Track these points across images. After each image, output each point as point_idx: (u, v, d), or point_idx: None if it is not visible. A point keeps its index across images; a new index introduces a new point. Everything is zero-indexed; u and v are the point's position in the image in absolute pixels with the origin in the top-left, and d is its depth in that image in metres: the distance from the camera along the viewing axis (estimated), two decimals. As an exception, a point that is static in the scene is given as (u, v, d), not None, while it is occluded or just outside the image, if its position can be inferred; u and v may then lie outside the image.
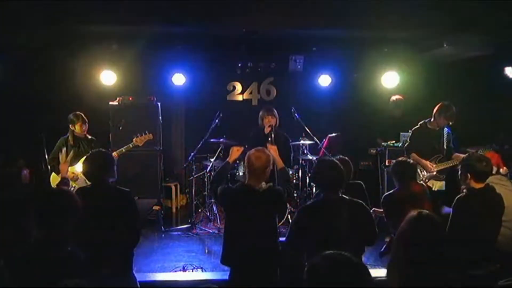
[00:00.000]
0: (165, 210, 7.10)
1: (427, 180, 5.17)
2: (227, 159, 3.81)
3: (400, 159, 4.25)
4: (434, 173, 5.20)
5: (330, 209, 3.17)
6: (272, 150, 3.80)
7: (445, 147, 5.31)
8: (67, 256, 2.51)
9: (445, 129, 5.33)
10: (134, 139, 5.57)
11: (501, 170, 4.93)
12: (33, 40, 5.82)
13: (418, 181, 4.93)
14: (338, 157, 4.21)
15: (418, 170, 5.24)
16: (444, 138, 5.32)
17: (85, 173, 3.45)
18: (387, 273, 2.37)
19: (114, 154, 5.32)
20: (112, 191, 3.39)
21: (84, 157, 3.61)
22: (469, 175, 3.55)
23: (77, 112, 5.47)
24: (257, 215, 3.37)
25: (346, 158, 4.21)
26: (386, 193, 4.22)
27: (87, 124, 5.53)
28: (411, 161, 4.33)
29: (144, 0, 4.80)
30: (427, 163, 5.22)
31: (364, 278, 1.96)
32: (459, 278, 3.08)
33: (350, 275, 1.93)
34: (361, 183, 4.35)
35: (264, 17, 5.40)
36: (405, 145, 5.61)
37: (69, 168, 5.30)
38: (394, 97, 7.54)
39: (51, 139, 5.47)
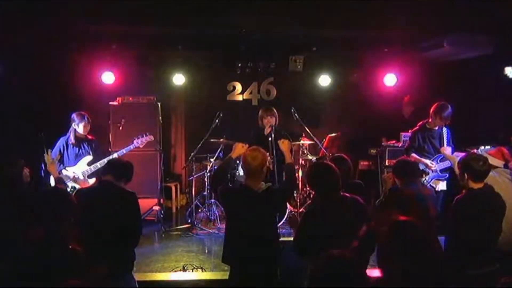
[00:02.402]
0: (165, 210, 7.10)
1: (430, 181, 5.19)
2: (230, 154, 3.76)
3: (402, 160, 4.19)
4: (438, 171, 5.22)
5: (334, 210, 3.17)
6: (285, 145, 3.79)
7: (445, 146, 5.32)
8: (68, 255, 2.51)
9: (445, 128, 5.34)
10: (134, 141, 5.59)
11: (510, 164, 4.89)
12: (33, 40, 5.81)
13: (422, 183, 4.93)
14: (337, 155, 4.19)
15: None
16: (445, 137, 5.32)
17: (111, 168, 3.46)
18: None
19: (116, 156, 5.34)
20: (117, 192, 3.39)
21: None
22: (466, 174, 3.54)
23: (82, 112, 5.44)
24: (257, 215, 3.37)
25: (344, 156, 4.19)
26: (393, 186, 4.12)
27: (90, 125, 5.52)
28: (411, 160, 4.29)
29: (144, 1, 4.80)
30: (427, 161, 5.24)
31: (359, 278, 1.97)
32: (458, 278, 3.09)
33: (347, 275, 1.94)
34: (361, 183, 4.34)
35: (264, 17, 5.40)
36: (405, 147, 5.63)
37: (69, 169, 5.31)
38: (407, 97, 7.55)
39: (51, 139, 5.47)
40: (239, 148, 3.73)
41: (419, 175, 4.17)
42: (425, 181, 5.16)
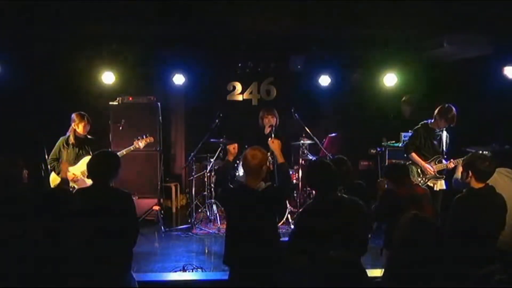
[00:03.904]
0: (165, 210, 7.10)
1: (427, 181, 5.19)
2: (227, 158, 3.81)
3: (394, 162, 4.22)
4: (435, 173, 5.23)
5: (330, 209, 3.17)
6: (275, 144, 3.77)
7: (444, 148, 5.33)
8: (69, 256, 2.51)
9: (445, 132, 5.35)
10: (134, 142, 5.59)
11: None
12: (33, 40, 5.81)
13: (418, 183, 4.94)
14: (336, 157, 4.20)
15: (418, 171, 5.26)
16: (444, 139, 5.33)
17: (89, 171, 3.44)
18: (384, 272, 2.37)
19: None
20: (112, 192, 3.38)
21: (90, 157, 3.59)
22: (470, 172, 3.54)
23: (82, 112, 5.44)
24: (257, 214, 3.37)
25: (344, 157, 4.20)
26: (388, 187, 4.15)
27: (90, 125, 5.52)
28: (402, 162, 4.28)
29: (144, 1, 4.80)
30: (426, 166, 5.23)
31: (358, 278, 1.98)
32: (458, 278, 3.08)
33: (344, 274, 1.96)
34: (362, 183, 4.34)
35: (264, 17, 5.40)
36: (405, 144, 5.63)
37: (70, 169, 5.31)
38: (405, 97, 7.54)
39: (51, 139, 5.47)
40: (231, 150, 3.78)
41: (409, 176, 4.15)
42: (421, 181, 5.17)
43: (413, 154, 5.29)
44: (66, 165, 5.04)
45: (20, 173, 3.73)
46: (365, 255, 3.32)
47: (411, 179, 4.16)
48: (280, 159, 3.69)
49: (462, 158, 5.01)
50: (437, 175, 5.25)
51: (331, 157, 5.88)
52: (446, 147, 5.34)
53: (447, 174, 5.26)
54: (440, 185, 5.28)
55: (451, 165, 5.14)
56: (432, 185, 5.22)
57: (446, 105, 5.21)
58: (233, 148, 3.80)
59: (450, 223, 3.53)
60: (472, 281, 3.23)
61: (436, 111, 5.25)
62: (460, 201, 3.54)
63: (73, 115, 5.42)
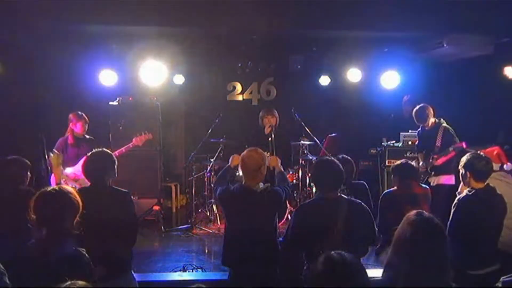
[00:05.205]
0: (165, 210, 7.10)
1: (423, 177, 5.30)
2: (228, 164, 3.80)
3: (401, 161, 4.25)
4: (428, 170, 5.38)
5: (328, 208, 3.17)
6: (273, 161, 3.79)
7: (438, 145, 5.37)
8: (71, 256, 2.49)
9: (442, 127, 5.37)
10: (133, 139, 5.60)
11: (505, 166, 4.90)
12: (33, 39, 5.81)
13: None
14: (341, 156, 4.20)
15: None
16: (438, 138, 5.38)
17: (84, 172, 3.44)
18: (383, 272, 2.37)
19: (115, 154, 5.34)
20: (111, 192, 3.38)
21: (85, 157, 3.60)
22: (468, 173, 3.55)
23: (79, 112, 5.47)
24: (256, 215, 3.37)
25: (348, 157, 4.21)
26: (386, 191, 4.26)
27: (87, 124, 5.53)
28: (412, 163, 4.30)
29: (144, 0, 4.80)
30: (420, 165, 5.53)
31: (359, 278, 1.98)
32: (459, 278, 3.09)
33: (345, 274, 1.95)
34: (364, 183, 4.35)
35: (264, 17, 5.39)
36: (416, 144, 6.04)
37: (69, 169, 5.31)
38: (406, 96, 7.56)
39: (51, 139, 5.47)
40: (236, 158, 3.77)
41: (414, 176, 4.17)
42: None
43: (418, 153, 5.70)
44: (58, 169, 5.03)
45: (20, 174, 3.73)
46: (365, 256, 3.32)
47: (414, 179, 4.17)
48: (278, 170, 3.75)
49: (441, 154, 5.23)
50: (429, 171, 5.41)
51: (331, 157, 5.88)
52: (441, 143, 5.38)
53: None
54: (437, 180, 5.38)
55: (436, 162, 5.34)
56: (430, 181, 5.40)
57: (420, 105, 5.54)
58: (237, 158, 3.79)
59: (452, 223, 3.53)
60: (473, 281, 3.24)
61: None
62: (461, 201, 3.54)
63: (70, 115, 5.46)
